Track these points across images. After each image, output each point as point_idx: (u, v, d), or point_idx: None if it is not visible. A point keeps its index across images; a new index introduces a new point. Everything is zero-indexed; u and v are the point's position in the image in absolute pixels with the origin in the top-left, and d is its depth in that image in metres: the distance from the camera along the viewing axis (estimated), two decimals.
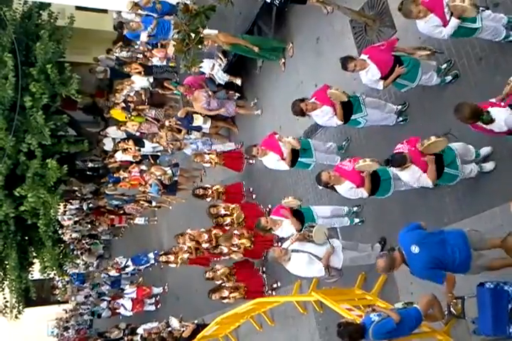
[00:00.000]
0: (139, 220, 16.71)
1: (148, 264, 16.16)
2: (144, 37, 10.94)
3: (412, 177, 5.43)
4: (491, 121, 4.70)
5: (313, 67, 8.76)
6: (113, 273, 17.41)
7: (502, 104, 4.70)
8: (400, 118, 7.01)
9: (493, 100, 4.83)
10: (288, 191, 9.41)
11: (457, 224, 6.08)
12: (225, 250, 9.63)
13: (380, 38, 7.44)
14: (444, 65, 6.40)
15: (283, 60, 9.61)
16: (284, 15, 9.45)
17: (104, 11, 14.78)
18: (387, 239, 7.12)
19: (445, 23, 5.29)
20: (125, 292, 15.94)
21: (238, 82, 10.24)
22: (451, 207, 6.24)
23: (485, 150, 5.80)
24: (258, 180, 10.79)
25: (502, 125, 4.71)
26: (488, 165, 5.76)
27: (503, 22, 5.55)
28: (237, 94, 10.46)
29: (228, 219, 10.13)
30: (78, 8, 14.21)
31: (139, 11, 11.34)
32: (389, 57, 5.91)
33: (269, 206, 9.81)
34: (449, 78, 6.34)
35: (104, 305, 17.46)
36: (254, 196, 10.59)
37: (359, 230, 7.70)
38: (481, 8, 5.35)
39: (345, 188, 6.11)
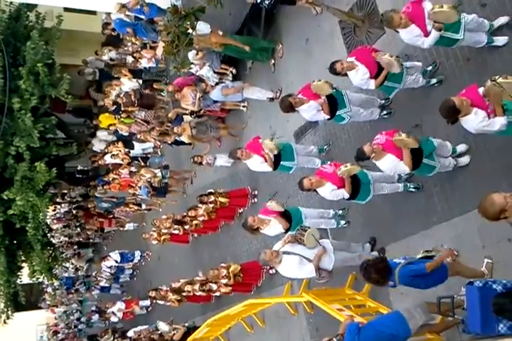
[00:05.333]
0: (129, 226, 16.65)
1: (135, 261, 16.20)
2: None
3: (390, 165, 5.54)
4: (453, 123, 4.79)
5: (303, 68, 8.77)
6: (103, 283, 17.40)
7: (489, 109, 4.64)
8: (384, 112, 7.08)
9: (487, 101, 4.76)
10: (277, 191, 9.43)
11: (447, 223, 6.11)
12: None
13: (369, 38, 7.48)
14: (430, 67, 6.46)
15: (273, 61, 9.62)
16: (274, 16, 9.47)
17: (93, 13, 14.72)
18: (377, 239, 7.15)
19: (426, 34, 5.35)
20: (113, 308, 15.79)
21: (233, 70, 10.22)
22: (439, 207, 6.27)
23: (461, 147, 5.94)
24: (247, 181, 10.80)
25: (470, 130, 4.80)
26: (464, 160, 5.93)
27: (485, 29, 5.61)
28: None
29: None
30: (66, 9, 14.14)
31: (127, 13, 11.31)
32: (374, 60, 5.95)
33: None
34: (433, 81, 6.41)
35: (95, 317, 17.42)
36: (255, 199, 10.58)
37: (349, 230, 7.72)
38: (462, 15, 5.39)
39: (327, 190, 6.20)
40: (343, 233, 7.75)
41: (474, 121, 4.64)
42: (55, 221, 17.68)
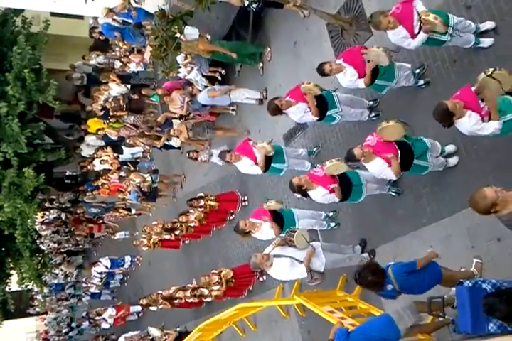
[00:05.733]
0: (120, 235, 16.54)
1: (126, 266, 16.11)
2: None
3: (378, 168, 5.57)
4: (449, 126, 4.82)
5: (291, 71, 8.80)
6: (93, 289, 17.26)
7: (483, 111, 4.67)
8: (373, 114, 7.13)
9: (481, 104, 4.74)
10: (268, 194, 9.44)
11: (436, 223, 6.15)
12: (206, 292, 10.02)
13: (356, 41, 7.52)
14: (418, 70, 6.51)
15: (261, 64, 9.64)
16: (262, 19, 9.50)
17: (80, 17, 14.66)
18: (367, 241, 7.17)
19: (413, 35, 5.38)
20: (104, 314, 15.67)
21: (222, 71, 10.22)
22: (429, 208, 6.30)
23: (450, 148, 6.00)
24: (237, 184, 10.79)
25: (464, 132, 4.83)
26: (452, 160, 5.99)
27: (472, 30, 5.66)
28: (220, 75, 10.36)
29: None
30: (53, 14, 14.07)
31: (115, 17, 11.28)
32: (362, 60, 5.97)
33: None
34: (421, 82, 6.46)
35: (86, 323, 17.28)
36: (246, 203, 10.57)
37: (339, 232, 7.73)
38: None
39: (319, 194, 6.20)
40: (333, 235, 7.77)
41: (468, 123, 4.66)
42: (43, 227, 17.52)
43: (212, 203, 10.81)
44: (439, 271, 5.20)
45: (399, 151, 5.44)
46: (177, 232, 11.86)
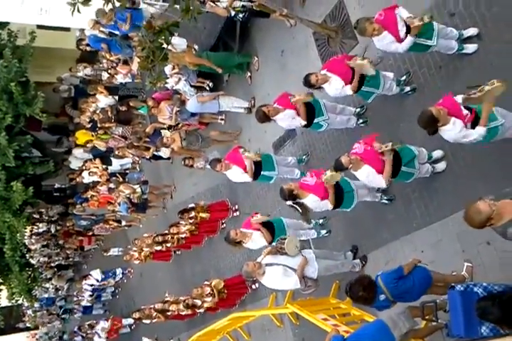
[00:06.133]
0: (113, 251, 16.38)
1: (117, 279, 15.96)
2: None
3: (367, 177, 5.59)
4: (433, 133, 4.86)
5: (279, 80, 8.86)
6: (84, 303, 17.06)
7: (467, 117, 4.72)
8: (360, 121, 7.18)
9: (464, 111, 4.79)
10: (258, 203, 9.45)
11: (427, 228, 6.18)
12: (199, 303, 9.92)
13: (342, 49, 7.60)
14: (404, 77, 6.59)
15: (249, 74, 9.70)
16: (248, 29, 9.57)
17: (67, 29, 14.65)
18: (359, 247, 7.18)
19: (399, 40, 5.45)
20: (96, 328, 15.49)
21: (210, 83, 10.24)
22: (418, 212, 6.34)
23: (437, 153, 6.04)
24: (227, 194, 10.79)
25: (448, 139, 4.88)
26: (440, 165, 6.03)
27: (455, 37, 5.75)
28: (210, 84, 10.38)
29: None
30: (39, 26, 14.03)
31: (101, 29, 11.28)
32: (347, 67, 6.04)
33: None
34: (407, 89, 6.53)
35: (79, 339, 17.06)
36: (237, 213, 10.55)
37: (331, 239, 7.75)
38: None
39: (310, 201, 6.20)
40: (324, 242, 7.78)
41: (453, 130, 4.69)
42: (33, 241, 17.35)
43: (203, 215, 10.78)
44: (428, 274, 5.23)
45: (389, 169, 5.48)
46: (168, 244, 11.80)
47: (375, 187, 6.23)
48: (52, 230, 17.37)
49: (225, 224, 10.87)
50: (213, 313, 10.32)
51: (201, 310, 10.24)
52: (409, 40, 5.42)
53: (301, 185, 6.21)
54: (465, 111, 4.72)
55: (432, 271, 5.30)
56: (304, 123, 6.71)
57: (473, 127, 4.71)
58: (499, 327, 4.34)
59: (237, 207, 10.58)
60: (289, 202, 6.36)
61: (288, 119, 6.68)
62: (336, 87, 6.09)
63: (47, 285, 19.25)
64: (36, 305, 19.85)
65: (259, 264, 6.40)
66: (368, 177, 5.57)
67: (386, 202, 6.72)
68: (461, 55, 5.84)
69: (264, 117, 6.72)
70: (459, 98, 4.73)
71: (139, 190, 12.63)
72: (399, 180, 5.97)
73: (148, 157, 11.65)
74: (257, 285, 9.56)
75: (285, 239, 6.57)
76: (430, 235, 6.16)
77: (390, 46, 5.57)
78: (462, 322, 4.57)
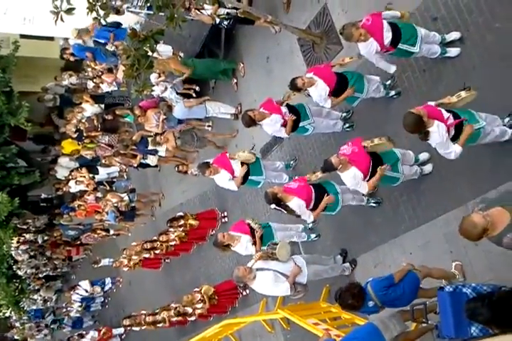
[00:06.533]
0: (104, 262, 16.23)
1: (106, 288, 15.82)
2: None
3: (353, 179, 5.61)
4: (426, 139, 4.88)
5: (265, 86, 8.90)
6: (74, 313, 16.85)
7: (449, 121, 4.78)
8: (347, 125, 7.24)
9: (445, 114, 4.84)
10: (247, 209, 9.44)
11: (415, 230, 6.23)
12: (190, 310, 9.85)
13: (327, 54, 7.66)
14: (389, 81, 6.67)
15: (235, 80, 9.73)
16: (234, 36, 9.61)
17: (50, 39, 14.58)
18: (348, 251, 7.21)
19: (383, 47, 5.52)
20: (86, 337, 15.30)
21: (196, 88, 10.24)
22: (406, 215, 6.39)
23: (423, 156, 6.11)
24: (216, 200, 10.77)
25: (433, 144, 4.92)
26: (427, 168, 6.10)
27: (437, 41, 5.84)
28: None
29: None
30: (23, 36, 13.94)
31: (84, 38, 11.26)
32: (331, 72, 6.13)
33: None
34: (392, 92, 6.62)
35: None
36: (226, 219, 10.53)
37: (320, 243, 7.76)
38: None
39: (295, 204, 6.24)
40: (313, 246, 7.79)
41: (437, 132, 4.70)
42: (20, 252, 17.14)
43: (193, 222, 10.75)
44: (416, 278, 5.24)
45: (371, 162, 5.51)
46: (157, 251, 11.73)
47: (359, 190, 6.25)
48: (40, 241, 17.17)
49: (214, 231, 10.84)
50: (205, 320, 10.25)
51: (193, 318, 10.16)
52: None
53: (284, 189, 6.27)
54: (446, 114, 4.76)
55: (419, 266, 5.30)
56: (287, 136, 6.75)
57: (456, 135, 4.76)
58: (488, 328, 4.38)
59: (226, 213, 10.56)
60: (273, 206, 6.42)
61: (274, 125, 6.71)
62: (319, 92, 6.17)
63: (35, 296, 18.99)
64: (24, 317, 19.58)
65: (250, 269, 6.37)
66: (354, 179, 5.58)
67: (374, 205, 6.77)
68: (444, 58, 5.93)
69: (251, 121, 6.74)
70: (433, 103, 4.82)
71: (126, 198, 12.57)
72: (385, 184, 6.01)
73: (135, 165, 11.61)
74: (247, 291, 9.53)
75: (276, 244, 6.57)
76: (418, 237, 6.21)
77: (371, 56, 5.70)
78: (452, 323, 4.59)
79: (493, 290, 4.49)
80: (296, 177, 6.88)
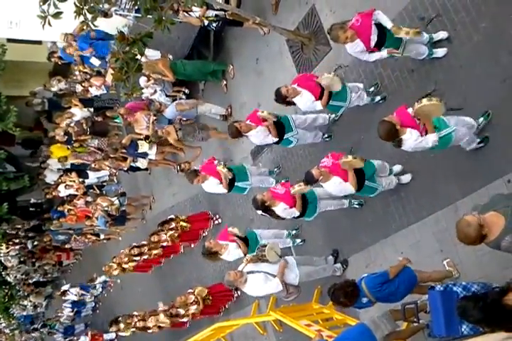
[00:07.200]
0: (99, 280, 16.11)
1: (97, 293, 15.69)
2: (94, 61, 10.75)
3: (336, 186, 5.79)
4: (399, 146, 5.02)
5: (255, 87, 8.91)
6: (64, 319, 16.71)
7: (420, 128, 4.89)
8: (325, 135, 7.39)
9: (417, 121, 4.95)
10: (238, 211, 9.42)
11: (405, 230, 6.24)
12: (182, 312, 9.80)
13: (316, 55, 7.68)
14: (372, 88, 6.74)
15: (225, 82, 9.72)
16: (223, 38, 9.60)
17: (38, 42, 14.49)
18: (339, 251, 7.21)
19: (368, 48, 5.58)
20: None
21: (186, 91, 10.20)
22: (397, 215, 6.40)
23: (396, 168, 6.30)
24: (207, 203, 10.74)
25: (408, 149, 5.04)
26: (405, 178, 6.24)
27: (424, 41, 5.86)
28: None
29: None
30: (10, 40, 13.83)
31: (73, 43, 11.18)
32: (315, 83, 6.16)
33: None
34: (378, 98, 6.68)
35: None
36: (219, 220, 10.51)
37: (311, 244, 7.77)
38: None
39: (280, 209, 6.43)
40: (305, 247, 7.80)
41: (411, 140, 4.87)
42: (9, 258, 16.99)
43: (184, 223, 10.70)
44: (412, 274, 5.26)
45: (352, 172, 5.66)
46: (145, 257, 11.65)
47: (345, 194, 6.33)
48: (29, 246, 17.03)
49: (206, 232, 10.80)
50: (196, 320, 10.17)
51: (185, 319, 10.03)
52: (382, 54, 5.62)
53: (272, 194, 6.43)
54: (418, 122, 4.89)
55: (417, 271, 5.34)
56: (275, 140, 6.85)
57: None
58: (479, 326, 4.39)
59: (218, 216, 10.53)
60: (260, 212, 6.64)
61: (260, 136, 6.81)
62: (306, 100, 6.24)
63: (25, 302, 18.83)
64: (14, 323, 19.40)
65: (241, 273, 6.39)
66: (338, 186, 5.76)
67: (357, 206, 6.87)
68: (431, 59, 5.96)
69: (237, 133, 6.86)
70: (411, 110, 4.91)
71: (116, 202, 12.50)
72: (363, 195, 6.14)
73: (125, 168, 11.55)
74: (239, 292, 9.51)
75: (265, 246, 6.59)
76: (409, 236, 6.23)
77: (360, 55, 5.73)
78: (443, 322, 4.60)
79: (483, 288, 4.51)
80: (283, 181, 7.18)
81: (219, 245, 7.07)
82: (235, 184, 7.54)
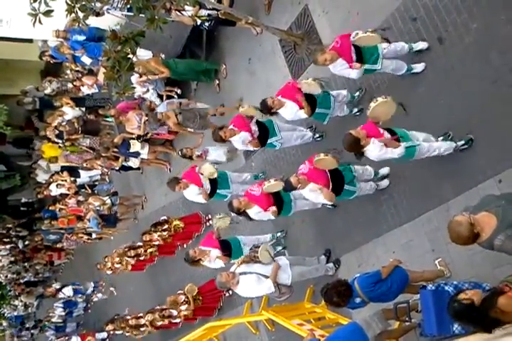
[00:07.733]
0: (98, 296, 16.06)
1: (89, 292, 15.63)
2: (86, 59, 10.69)
3: (312, 194, 5.85)
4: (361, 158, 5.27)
5: (248, 87, 8.90)
6: (56, 319, 16.63)
7: (387, 138, 5.09)
8: (317, 135, 7.38)
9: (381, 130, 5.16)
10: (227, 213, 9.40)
11: (397, 229, 6.27)
12: (175, 312, 9.78)
13: (308, 55, 7.68)
14: (357, 93, 6.78)
15: (217, 81, 9.70)
16: (215, 37, 9.60)
17: (29, 41, 14.38)
18: (332, 250, 7.23)
19: (351, 66, 5.73)
20: None
21: (178, 91, 10.16)
22: (389, 214, 6.42)
23: (383, 171, 6.35)
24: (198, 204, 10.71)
25: (373, 159, 5.25)
26: (383, 183, 6.36)
27: (404, 52, 5.91)
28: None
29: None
30: (0, 38, 13.72)
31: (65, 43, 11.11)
32: (299, 94, 6.18)
33: None
34: (355, 110, 6.75)
35: None
36: (211, 222, 10.48)
37: (303, 244, 7.78)
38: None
39: (254, 212, 6.52)
40: (297, 247, 7.81)
41: (374, 150, 5.06)
42: (0, 257, 16.90)
43: (178, 222, 10.67)
44: (404, 274, 5.29)
45: (330, 178, 5.72)
46: (141, 258, 11.62)
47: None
48: (20, 246, 16.95)
49: (197, 234, 10.78)
50: (192, 322, 10.18)
51: (178, 320, 10.05)
52: (358, 70, 5.77)
53: (247, 195, 6.52)
54: (387, 135, 5.12)
55: (409, 270, 5.37)
56: (256, 148, 6.95)
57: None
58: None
59: (210, 216, 10.51)
60: (234, 214, 6.80)
61: (243, 142, 6.85)
62: (290, 111, 6.28)
63: (16, 302, 18.72)
64: (4, 323, 19.29)
65: (233, 274, 6.39)
66: (313, 194, 5.82)
67: (330, 207, 6.95)
68: (411, 74, 5.98)
69: (220, 139, 6.93)
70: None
71: (108, 201, 12.46)
72: (342, 198, 6.18)
73: (117, 167, 11.51)
74: (230, 292, 9.51)
75: (258, 247, 6.61)
76: (401, 236, 6.25)
77: (343, 71, 5.86)
78: (434, 321, 4.61)
79: (474, 288, 4.53)
80: (261, 180, 7.26)
81: (202, 252, 7.21)
82: (217, 191, 7.63)
